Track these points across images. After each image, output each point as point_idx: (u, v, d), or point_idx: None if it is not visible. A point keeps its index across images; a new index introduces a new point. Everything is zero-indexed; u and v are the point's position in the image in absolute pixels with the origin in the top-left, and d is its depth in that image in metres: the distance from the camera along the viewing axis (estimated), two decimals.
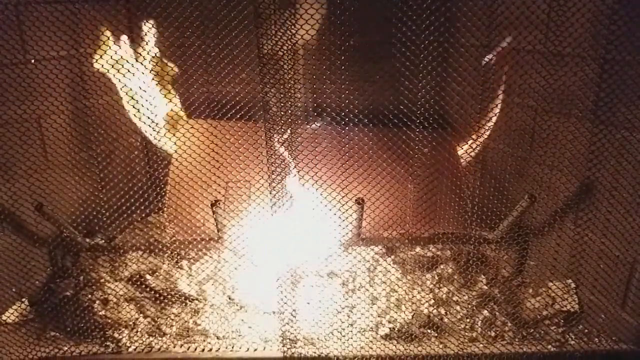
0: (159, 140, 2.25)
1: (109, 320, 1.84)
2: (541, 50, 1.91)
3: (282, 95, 1.67)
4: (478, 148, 2.20)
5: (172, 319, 1.87)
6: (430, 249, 2.12)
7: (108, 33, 2.00)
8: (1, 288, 1.91)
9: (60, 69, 1.85)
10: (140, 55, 2.03)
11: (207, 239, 2.09)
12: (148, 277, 1.98)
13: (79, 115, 2.10)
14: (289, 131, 1.72)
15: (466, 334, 1.82)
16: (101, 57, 1.92)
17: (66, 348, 1.76)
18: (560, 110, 1.91)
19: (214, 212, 1.92)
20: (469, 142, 2.22)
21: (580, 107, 1.82)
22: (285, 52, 1.64)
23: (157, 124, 2.08)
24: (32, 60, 1.86)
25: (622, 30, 1.62)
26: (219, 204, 1.93)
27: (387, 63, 1.95)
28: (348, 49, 1.76)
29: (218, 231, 1.97)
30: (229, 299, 1.95)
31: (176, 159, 2.23)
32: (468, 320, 1.87)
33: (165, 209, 2.16)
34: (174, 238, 2.11)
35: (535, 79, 1.87)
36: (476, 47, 2.16)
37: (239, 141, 1.95)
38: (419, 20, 1.64)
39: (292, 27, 1.60)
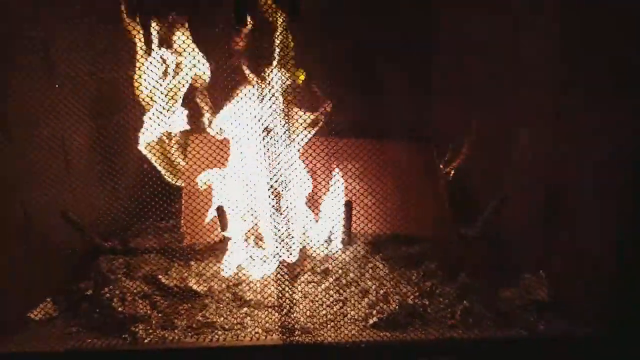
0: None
1: (126, 316, 1.93)
2: None
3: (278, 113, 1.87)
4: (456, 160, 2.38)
5: (183, 314, 1.96)
6: (415, 247, 2.24)
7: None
8: (30, 288, 2.03)
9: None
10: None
11: (214, 241, 2.22)
12: (160, 276, 2.08)
13: (96, 132, 2.23)
14: (285, 144, 1.91)
15: (447, 321, 1.94)
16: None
17: (87, 342, 1.85)
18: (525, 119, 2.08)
19: (219, 217, 2.10)
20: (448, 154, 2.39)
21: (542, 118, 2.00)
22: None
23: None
24: (57, 85, 2.02)
25: None
26: (223, 209, 2.10)
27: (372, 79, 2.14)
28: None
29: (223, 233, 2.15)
30: (234, 294, 2.04)
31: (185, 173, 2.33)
32: (449, 309, 1.98)
33: (182, 216, 2.29)
34: (185, 242, 2.24)
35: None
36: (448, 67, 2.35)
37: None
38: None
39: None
